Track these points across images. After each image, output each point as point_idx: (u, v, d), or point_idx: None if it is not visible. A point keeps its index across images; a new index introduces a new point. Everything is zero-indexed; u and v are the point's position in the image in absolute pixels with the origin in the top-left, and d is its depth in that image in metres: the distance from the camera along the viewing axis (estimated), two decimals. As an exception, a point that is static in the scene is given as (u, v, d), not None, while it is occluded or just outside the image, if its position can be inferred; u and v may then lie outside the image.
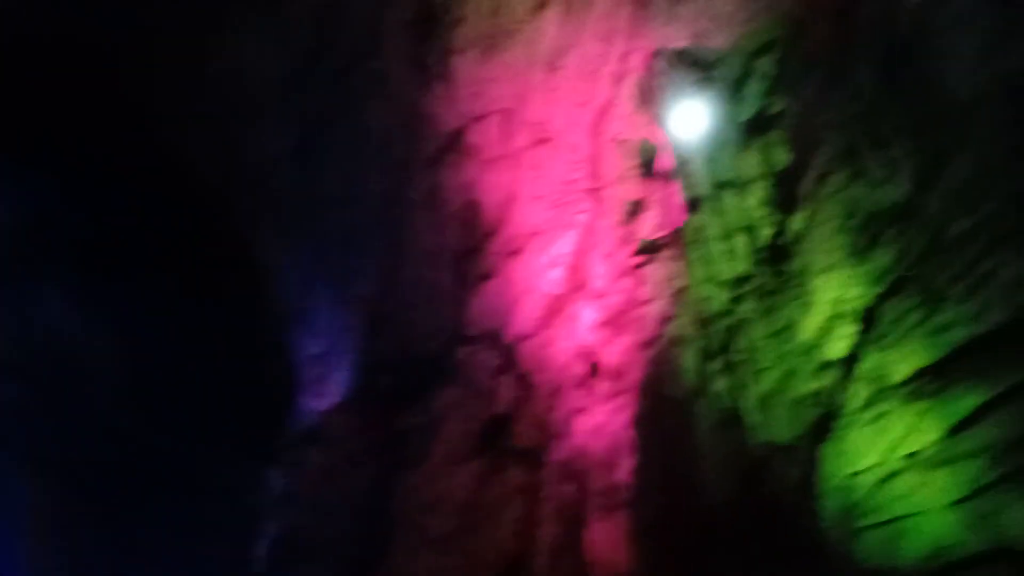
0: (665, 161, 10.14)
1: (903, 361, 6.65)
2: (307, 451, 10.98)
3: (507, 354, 10.50)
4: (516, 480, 9.85)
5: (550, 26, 9.79)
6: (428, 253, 10.99)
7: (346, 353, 11.37)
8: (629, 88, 10.24)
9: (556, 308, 10.81)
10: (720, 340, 8.60)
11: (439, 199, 10.85)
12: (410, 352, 10.99)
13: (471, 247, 10.96)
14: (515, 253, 10.92)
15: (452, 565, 9.67)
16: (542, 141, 10.87)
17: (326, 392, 11.43)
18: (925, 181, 6.59)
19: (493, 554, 9.80)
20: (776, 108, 8.75)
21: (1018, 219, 5.88)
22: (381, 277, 10.95)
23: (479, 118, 10.76)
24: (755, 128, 8.93)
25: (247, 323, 12.50)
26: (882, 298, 7.00)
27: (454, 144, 10.72)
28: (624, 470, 9.69)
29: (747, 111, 9.16)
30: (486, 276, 10.77)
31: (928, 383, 6.39)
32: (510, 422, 10.08)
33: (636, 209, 10.50)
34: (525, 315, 10.82)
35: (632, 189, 10.55)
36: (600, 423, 10.05)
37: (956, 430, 6.07)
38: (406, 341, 11.04)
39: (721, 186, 8.93)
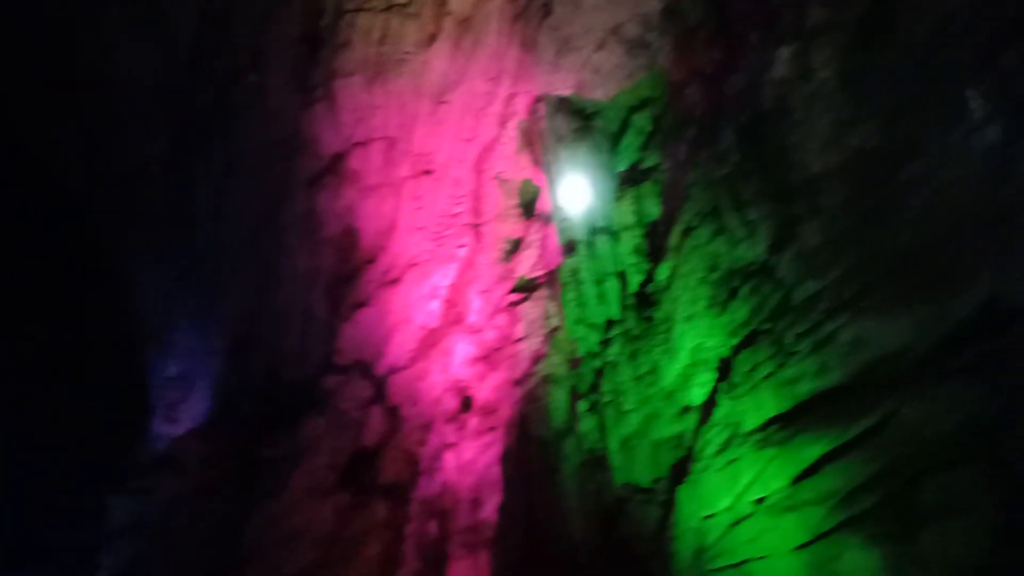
0: (545, 203, 10.42)
1: (755, 410, 7.08)
2: (157, 478, 10.27)
3: (378, 385, 10.31)
4: (380, 515, 9.63)
5: (438, 60, 9.86)
6: (302, 277, 10.65)
7: (207, 376, 10.79)
8: (513, 129, 10.48)
9: (431, 341, 10.76)
10: (589, 381, 8.85)
11: (316, 222, 10.57)
12: (276, 378, 10.57)
13: (347, 274, 10.73)
14: (392, 283, 10.80)
15: (306, 605, 9.29)
16: (425, 172, 10.87)
17: (181, 416, 10.78)
18: (779, 244, 7.11)
19: (351, 593, 9.51)
20: (649, 162, 9.23)
21: (859, 287, 6.44)
22: (250, 299, 10.50)
23: (362, 144, 10.62)
24: (629, 179, 9.39)
25: (99, 339, 11.65)
26: (737, 349, 7.45)
27: (334, 168, 10.50)
28: (489, 508, 9.72)
29: (623, 162, 9.62)
30: (361, 304, 10.56)
31: (776, 432, 6.82)
32: (377, 456, 9.87)
33: (515, 247, 10.71)
34: (399, 346, 10.70)
35: (512, 228, 10.76)
36: (469, 459, 10.05)
37: (800, 478, 6.48)
38: (273, 367, 10.62)
39: (596, 232, 9.26)
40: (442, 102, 10.34)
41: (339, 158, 10.50)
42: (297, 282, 10.70)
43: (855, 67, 6.61)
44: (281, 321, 10.57)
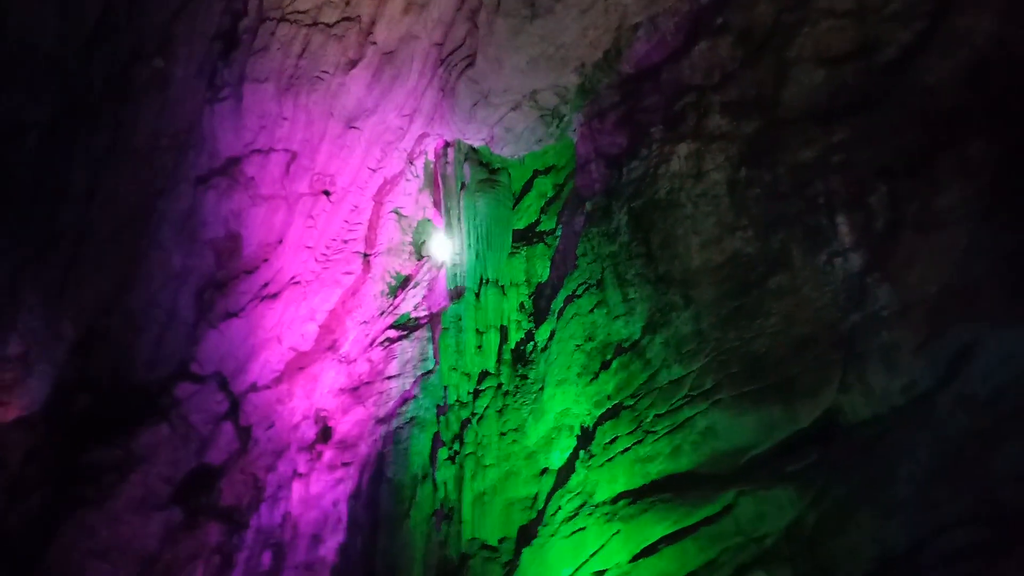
0: (439, 246, 10.48)
1: (608, 483, 7.33)
2: (-36, 468, 9.30)
3: (234, 402, 9.88)
4: (212, 539, 9.14)
5: (356, 86, 9.82)
6: (171, 276, 10.13)
7: (48, 363, 9.97)
8: (419, 168, 10.53)
9: (299, 364, 10.47)
10: (454, 431, 8.87)
11: (197, 222, 10.13)
12: (123, 378, 9.92)
13: (222, 280, 10.31)
14: (270, 298, 10.46)
15: (112, 623, 8.62)
16: (324, 193, 10.71)
17: (13, 401, 9.88)
18: (653, 327, 7.48)
19: (166, 617, 8.92)
20: (546, 226, 9.53)
21: (718, 380, 6.86)
22: (111, 291, 9.86)
23: (262, 152, 10.35)
24: (525, 238, 9.63)
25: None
26: (600, 420, 7.72)
27: (228, 170, 10.15)
28: (330, 546, 9.43)
29: (521, 221, 9.87)
30: (232, 314, 10.15)
31: (624, 508, 7.07)
32: (220, 475, 9.39)
33: (402, 284, 10.67)
34: (264, 365, 10.32)
35: (402, 264, 10.73)
36: (316, 493, 9.75)
37: (639, 556, 6.73)
38: (122, 365, 9.96)
39: (485, 283, 9.41)
40: (352, 127, 10.27)
41: (235, 162, 10.16)
42: (165, 280, 10.15)
43: (743, 178, 7.15)
44: (139, 318, 9.96)
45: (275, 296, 10.53)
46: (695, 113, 7.59)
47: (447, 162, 10.01)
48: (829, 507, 5.98)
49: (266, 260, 10.61)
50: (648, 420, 7.18)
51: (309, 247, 10.78)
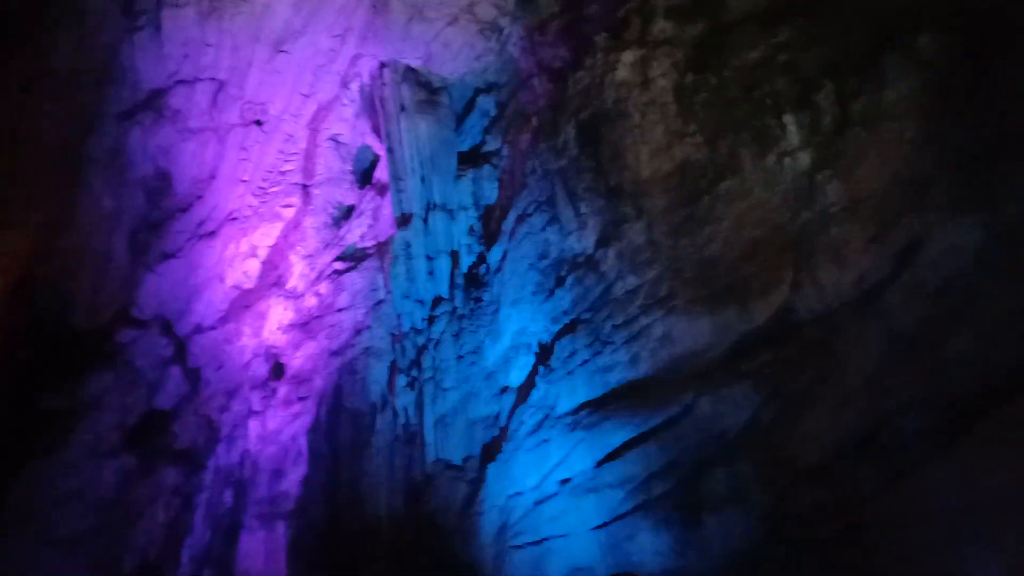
0: (382, 172, 10.17)
1: (568, 395, 7.41)
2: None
3: (179, 345, 9.57)
4: (169, 481, 8.97)
5: (281, 6, 9.27)
6: (102, 219, 9.62)
7: (-18, 315, 9.46)
8: (355, 92, 10.11)
9: (244, 303, 10.16)
10: (411, 357, 8.80)
11: (125, 161, 9.59)
12: (63, 326, 9.47)
13: (156, 221, 9.83)
14: (207, 236, 10.05)
15: (76, 570, 8.45)
16: (256, 123, 10.22)
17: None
18: (606, 240, 7.47)
19: (130, 561, 8.77)
20: (491, 146, 9.32)
21: (672, 287, 6.92)
22: (40, 236, 9.31)
23: (187, 82, 9.76)
24: (470, 160, 9.42)
25: None
26: (558, 335, 7.75)
27: (152, 104, 9.56)
28: (291, 480, 9.38)
29: (465, 142, 9.63)
30: (169, 255, 9.72)
31: (586, 417, 7.18)
32: (172, 419, 9.16)
33: (346, 214, 10.36)
34: (208, 305, 9.99)
35: (344, 193, 10.40)
36: (274, 429, 9.63)
37: (604, 462, 6.87)
38: (60, 313, 9.49)
39: (432, 208, 9.20)
40: (281, 51, 9.74)
41: (159, 94, 9.58)
42: (97, 224, 9.65)
43: (690, 83, 7.07)
44: (74, 264, 9.49)
45: (212, 234, 10.12)
46: (639, 19, 7.44)
47: (384, 84, 9.60)
48: (785, 402, 6.16)
49: (200, 197, 10.15)
50: (606, 331, 7.23)
51: (244, 181, 10.34)
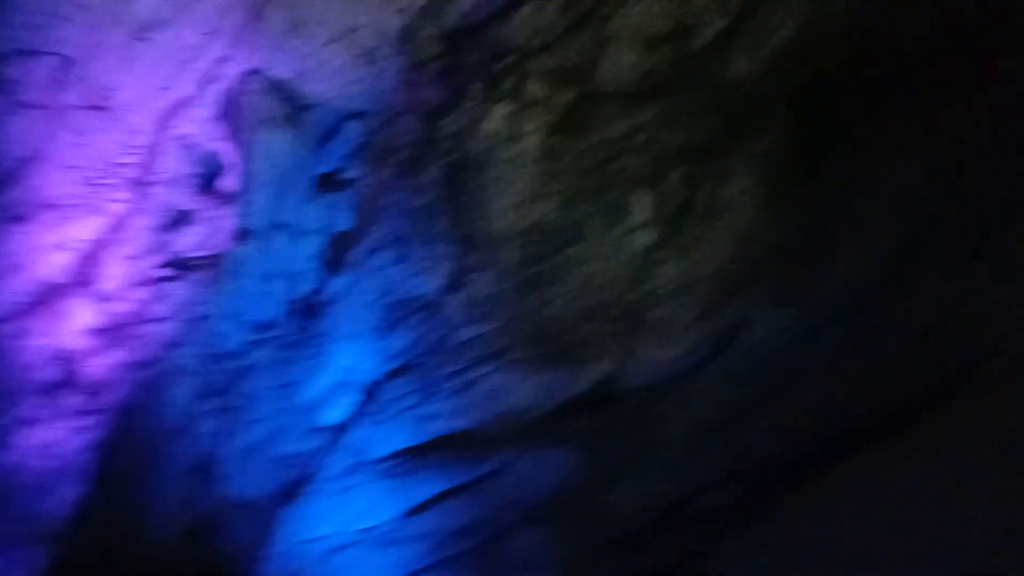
0: (228, 182, 9.57)
1: (386, 440, 7.11)
2: None
3: (-44, 333, 8.39)
4: (-91, 491, 7.70)
5: (149, -9, 8.71)
6: None
7: None
8: (215, 95, 9.55)
9: (45, 298, 9.08)
10: (221, 381, 8.16)
11: (-67, 122, 8.53)
12: None
13: (-43, 194, 8.74)
14: (15, 220, 8.99)
15: None
16: (98, 108, 9.38)
17: None
18: (453, 286, 7.34)
19: None
20: (351, 174, 9.03)
21: (508, 342, 6.87)
22: None
23: (28, 53, 8.88)
24: (327, 184, 9.07)
25: None
26: (388, 377, 7.45)
27: (-19, 67, 8.62)
28: (60, 499, 8.28)
29: (324, 166, 9.29)
30: (-35, 234, 8.62)
31: (401, 464, 6.90)
32: (-73, 417, 7.93)
33: (180, 220, 9.61)
34: (3, 295, 8.87)
35: (183, 198, 9.67)
36: (52, 440, 8.51)
37: (412, 512, 6.59)
38: None
39: (277, 227, 8.74)
40: (142, 38, 9.07)
41: (-8, 59, 8.63)
42: None
43: (555, 146, 7.17)
44: None
45: (21, 219, 9.07)
46: (515, 76, 7.52)
47: (247, 91, 9.13)
48: (600, 468, 6.22)
49: (15, 177, 9.12)
50: (436, 379, 7.04)
51: (73, 168, 9.37)
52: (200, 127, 9.71)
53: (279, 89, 9.12)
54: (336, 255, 8.63)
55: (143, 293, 9.28)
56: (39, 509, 8.25)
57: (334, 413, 7.55)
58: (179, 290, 9.13)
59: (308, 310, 8.39)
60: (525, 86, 7.36)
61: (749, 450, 6.34)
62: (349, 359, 7.72)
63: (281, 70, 9.35)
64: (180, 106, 9.68)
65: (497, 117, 7.31)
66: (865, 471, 6.43)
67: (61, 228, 9.32)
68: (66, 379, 8.91)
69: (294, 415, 7.73)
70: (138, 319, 9.19)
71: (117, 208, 9.55)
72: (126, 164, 9.62)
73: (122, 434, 8.37)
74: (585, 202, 6.93)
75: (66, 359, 9.02)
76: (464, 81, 7.88)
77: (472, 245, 7.32)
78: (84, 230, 9.49)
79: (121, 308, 9.26)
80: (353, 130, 9.09)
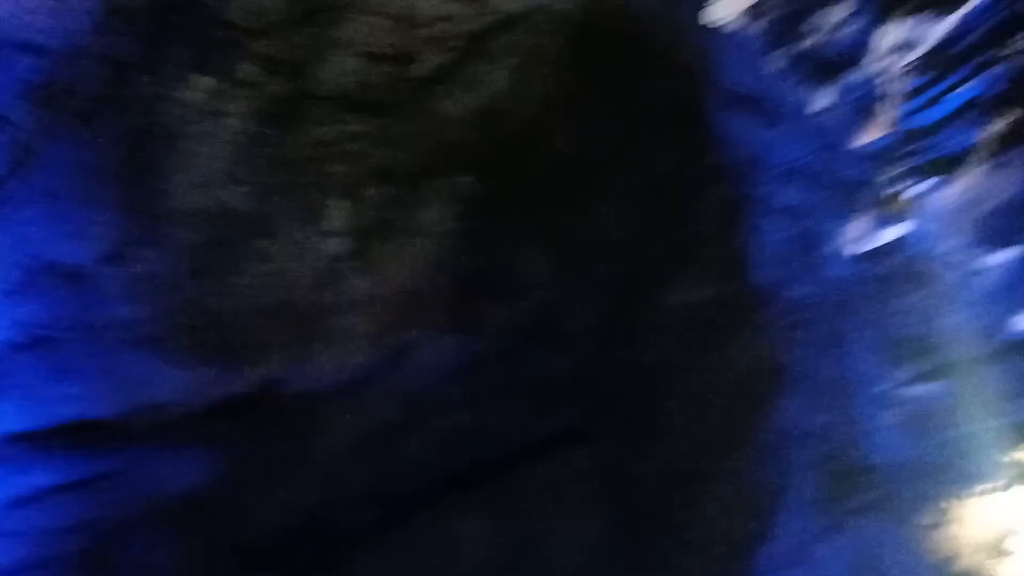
0: None
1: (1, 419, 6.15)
2: None
3: None
4: None
5: None
6: None
7: None
8: None
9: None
10: None
11: None
12: None
13: None
14: None
15: None
16: None
17: None
18: (110, 258, 6.57)
19: None
20: (12, 114, 7.77)
21: (169, 327, 6.36)
22: None
23: None
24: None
25: None
26: (13, 349, 6.47)
27: None
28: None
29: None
30: None
31: (13, 449, 6.05)
32: None
33: None
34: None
35: None
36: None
37: (16, 504, 5.78)
38: None
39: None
40: None
41: None
42: None
43: (259, 134, 6.80)
44: None
45: None
46: (228, 52, 7.03)
47: None
48: (245, 473, 6.00)
49: None
50: (72, 357, 6.25)
51: None
52: None
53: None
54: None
55: None
56: None
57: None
58: None
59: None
60: (237, 65, 6.92)
61: (399, 472, 6.55)
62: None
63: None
64: None
65: (200, 89, 6.76)
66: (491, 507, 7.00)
67: None
68: None
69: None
70: None
71: None
72: None
73: None
74: (282, 197, 6.68)
75: None
76: (171, 43, 7.18)
77: (145, 217, 6.66)
78: None
79: None
80: (25, 64, 7.83)
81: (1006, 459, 9.08)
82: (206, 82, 6.74)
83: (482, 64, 6.55)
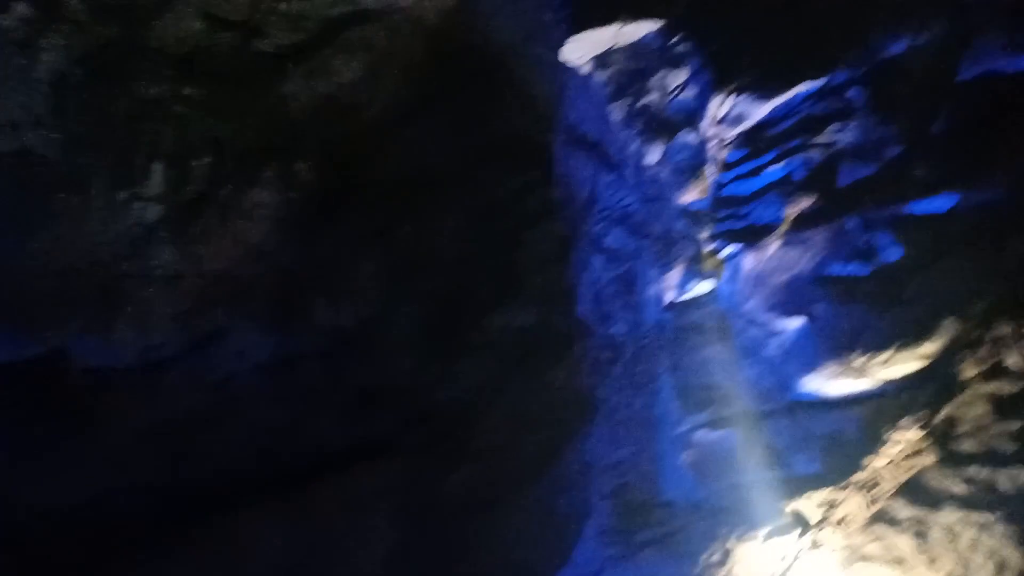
0: None
1: None
2: None
3: None
4: None
5: None
6: None
7: None
8: None
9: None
10: None
11: None
12: None
13: None
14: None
15: None
16: None
17: None
18: None
19: None
20: None
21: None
22: None
23: None
24: None
25: None
26: None
27: None
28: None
29: None
30: None
31: None
32: None
33: None
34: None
35: None
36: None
37: None
38: None
39: None
40: None
41: None
42: None
43: (77, 76, 6.19)
44: None
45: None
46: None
47: None
48: (20, 449, 5.32)
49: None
50: None
51: None
52: None
53: None
54: None
55: None
56: None
57: None
58: None
59: None
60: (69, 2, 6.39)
61: (194, 466, 6.07)
62: None
63: None
64: None
65: (14, 16, 6.13)
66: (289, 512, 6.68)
67: None
68: None
69: None
70: None
71: None
72: None
73: None
74: (98, 152, 6.15)
75: None
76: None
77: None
78: None
79: None
80: None
81: (784, 508, 9.83)
82: (21, 8, 6.09)
83: (335, 52, 6.47)
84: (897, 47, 8.52)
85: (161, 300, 6.11)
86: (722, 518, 10.53)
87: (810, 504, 9.62)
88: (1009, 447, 7.49)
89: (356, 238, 7.21)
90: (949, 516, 7.57)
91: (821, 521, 9.36)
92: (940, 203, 8.58)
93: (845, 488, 9.21)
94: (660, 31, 9.14)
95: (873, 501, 9.09)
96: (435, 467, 7.83)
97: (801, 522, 9.60)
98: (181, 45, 6.16)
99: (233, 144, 6.35)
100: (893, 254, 8.77)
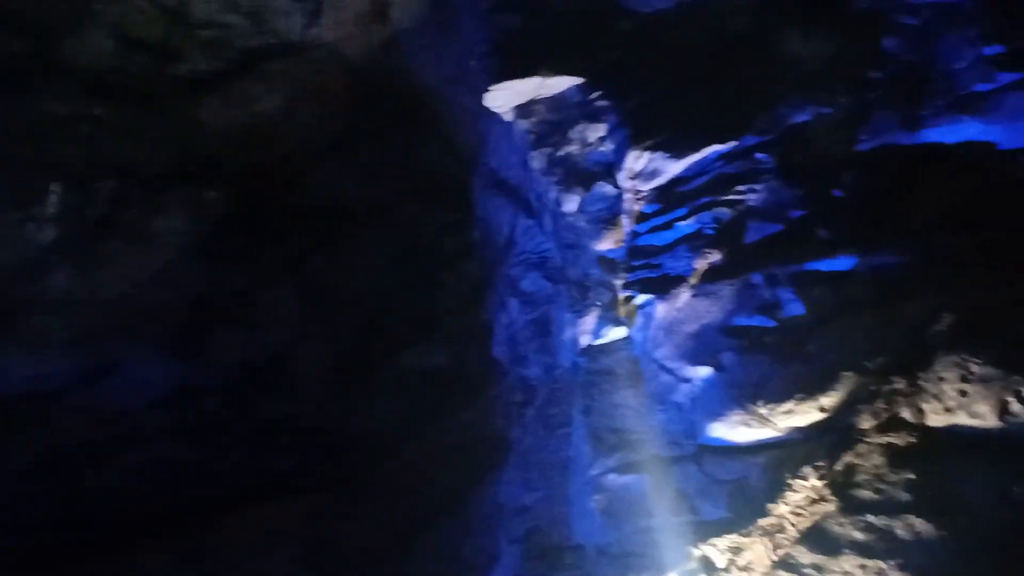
0: None
1: None
2: None
3: None
4: None
5: None
6: None
7: None
8: None
9: None
10: None
11: None
12: None
13: None
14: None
15: None
16: None
17: None
18: None
19: None
20: None
21: None
22: None
23: None
24: None
25: None
26: None
27: None
28: None
29: None
30: None
31: None
32: None
33: None
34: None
35: None
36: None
37: None
38: None
39: None
40: None
41: None
42: None
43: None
44: None
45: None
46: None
47: None
48: None
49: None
50: None
51: None
52: None
53: None
54: None
55: None
56: None
57: None
58: None
59: None
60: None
61: (86, 501, 5.69)
62: None
63: None
64: None
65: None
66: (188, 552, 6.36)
67: None
68: None
69: None
70: None
71: None
72: None
73: None
74: (-3, 168, 5.82)
75: None
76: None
77: None
78: None
79: None
80: None
81: (692, 552, 10.02)
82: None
83: (254, 82, 6.37)
84: (803, 116, 9.11)
85: (55, 327, 5.75)
86: (631, 562, 10.67)
87: (716, 549, 9.84)
88: (904, 496, 7.89)
89: (268, 269, 7.05)
90: (848, 562, 7.86)
91: (727, 566, 9.61)
92: (840, 263, 9.13)
93: (750, 534, 9.50)
94: (581, 87, 9.55)
95: (777, 547, 9.39)
96: (341, 507, 7.63)
97: (708, 567, 9.83)
98: (93, 63, 5.92)
99: (142, 167, 6.12)
100: (796, 308, 9.24)
